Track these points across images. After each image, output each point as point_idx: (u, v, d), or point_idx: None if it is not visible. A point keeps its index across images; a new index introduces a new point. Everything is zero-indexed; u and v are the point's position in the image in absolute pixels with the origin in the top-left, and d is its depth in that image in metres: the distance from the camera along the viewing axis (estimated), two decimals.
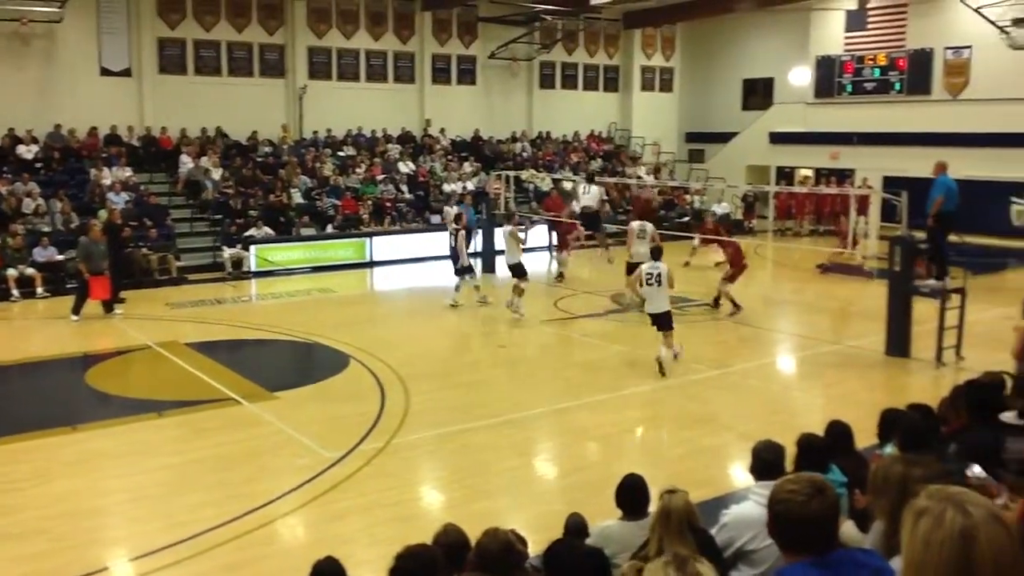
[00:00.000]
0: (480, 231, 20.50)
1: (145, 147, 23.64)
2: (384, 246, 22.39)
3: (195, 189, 22.75)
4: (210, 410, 10.52)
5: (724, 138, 32.87)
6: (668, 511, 4.13)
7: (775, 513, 2.75)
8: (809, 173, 30.00)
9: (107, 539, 7.39)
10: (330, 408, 10.59)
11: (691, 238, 21.43)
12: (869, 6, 28.40)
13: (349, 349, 13.24)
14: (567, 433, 10.02)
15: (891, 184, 22.31)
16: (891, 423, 5.47)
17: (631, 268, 15.91)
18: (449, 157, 27.68)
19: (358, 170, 25.24)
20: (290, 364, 13.74)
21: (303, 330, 14.68)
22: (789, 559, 2.72)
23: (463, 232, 16.86)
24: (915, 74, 27.98)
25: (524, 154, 29.55)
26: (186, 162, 23.15)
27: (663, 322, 12.11)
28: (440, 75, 29.30)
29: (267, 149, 25.04)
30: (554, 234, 21.87)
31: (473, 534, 4.19)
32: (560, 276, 19.73)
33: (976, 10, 24.64)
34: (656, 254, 12.47)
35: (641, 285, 12.24)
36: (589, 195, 19.50)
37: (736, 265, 15.71)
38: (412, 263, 21.87)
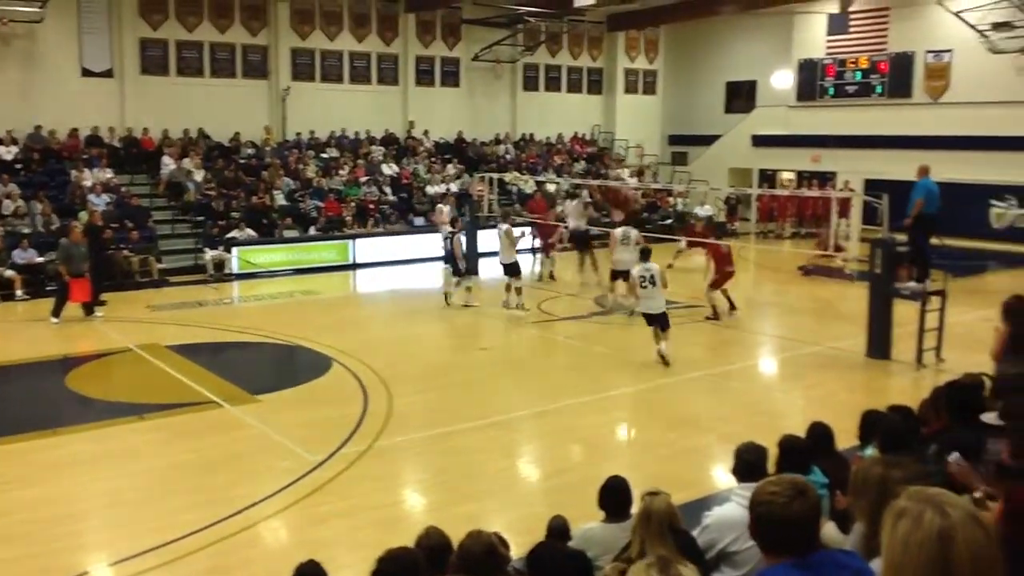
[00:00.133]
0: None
1: (126, 148, 23.50)
2: (367, 248, 22.33)
3: (177, 191, 22.62)
4: (191, 413, 10.46)
5: (707, 141, 32.99)
6: (649, 513, 4.14)
7: (757, 515, 2.76)
8: (791, 176, 30.16)
9: (88, 543, 7.33)
10: (312, 411, 10.55)
11: (675, 240, 21.47)
12: (851, 10, 28.60)
13: (331, 352, 13.20)
14: (550, 435, 10.02)
15: (872, 187, 22.42)
16: (872, 424, 5.51)
17: (615, 275, 15.94)
18: (433, 159, 27.65)
19: (341, 172, 25.17)
20: (272, 367, 13.68)
21: (285, 333, 14.62)
22: (770, 561, 2.72)
23: (459, 236, 16.92)
24: (896, 77, 28.18)
25: (508, 156, 29.56)
26: (168, 163, 23.02)
27: (663, 321, 12.38)
28: (424, 77, 29.27)
29: (250, 151, 24.93)
30: (537, 238, 21.85)
31: (456, 537, 4.18)
32: (551, 276, 19.77)
33: (956, 14, 24.86)
34: (645, 255, 12.87)
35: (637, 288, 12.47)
36: (571, 212, 19.33)
37: (720, 271, 15.66)
38: (395, 265, 21.81)
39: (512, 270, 16.22)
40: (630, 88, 34.45)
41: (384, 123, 28.17)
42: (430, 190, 25.88)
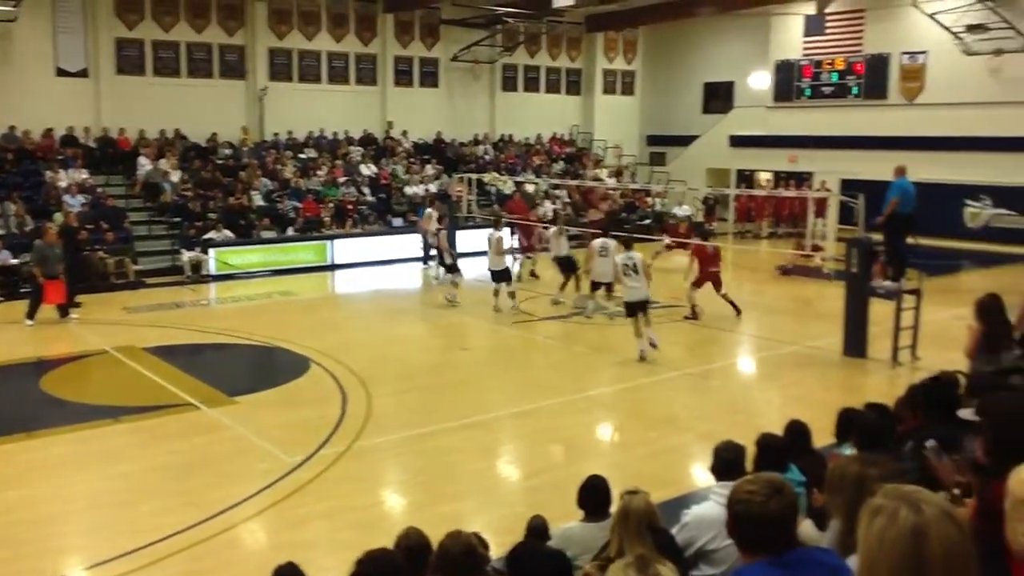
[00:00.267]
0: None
1: (102, 149, 23.30)
2: (346, 249, 22.25)
3: (153, 191, 22.45)
4: (168, 416, 10.38)
5: (685, 141, 33.14)
6: (627, 512, 4.16)
7: (734, 513, 2.77)
8: (769, 176, 30.35)
9: (65, 547, 7.26)
10: (291, 412, 10.49)
11: (653, 240, 21.52)
12: (828, 11, 28.80)
13: (310, 353, 13.14)
14: (530, 435, 10.02)
15: (849, 187, 22.63)
16: (848, 422, 5.55)
17: (596, 286, 15.97)
18: (411, 159, 27.59)
19: (319, 172, 25.09)
20: (250, 368, 13.60)
21: (263, 334, 14.54)
22: (747, 559, 2.74)
23: (444, 232, 16.94)
24: (872, 79, 28.42)
25: (487, 157, 29.56)
26: (144, 164, 22.85)
27: (643, 309, 12.58)
28: (402, 77, 29.22)
29: (227, 151, 24.79)
30: (516, 237, 21.85)
31: (436, 537, 4.17)
32: (532, 274, 19.79)
33: (931, 16, 25.10)
34: (627, 245, 13.36)
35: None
36: (552, 243, 19.18)
37: (703, 271, 15.70)
38: (374, 266, 21.75)
39: (501, 276, 16.32)
40: (608, 89, 34.55)
41: (362, 123, 28.09)
42: (408, 191, 25.83)
